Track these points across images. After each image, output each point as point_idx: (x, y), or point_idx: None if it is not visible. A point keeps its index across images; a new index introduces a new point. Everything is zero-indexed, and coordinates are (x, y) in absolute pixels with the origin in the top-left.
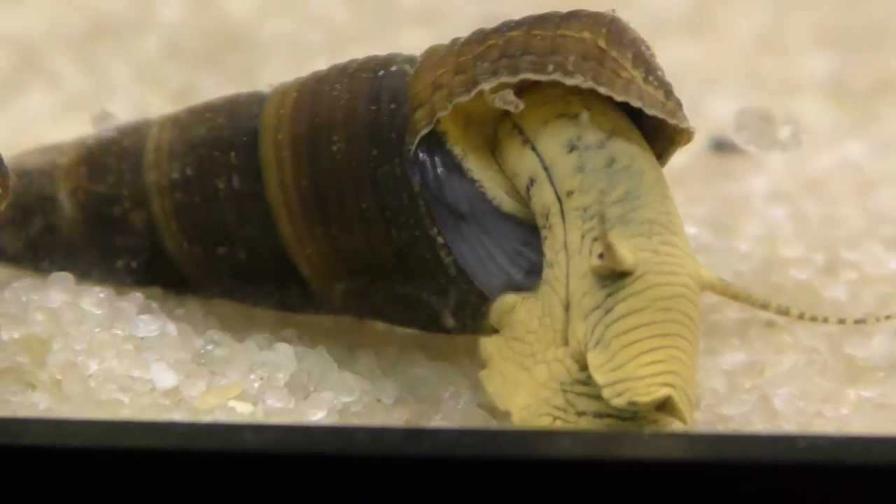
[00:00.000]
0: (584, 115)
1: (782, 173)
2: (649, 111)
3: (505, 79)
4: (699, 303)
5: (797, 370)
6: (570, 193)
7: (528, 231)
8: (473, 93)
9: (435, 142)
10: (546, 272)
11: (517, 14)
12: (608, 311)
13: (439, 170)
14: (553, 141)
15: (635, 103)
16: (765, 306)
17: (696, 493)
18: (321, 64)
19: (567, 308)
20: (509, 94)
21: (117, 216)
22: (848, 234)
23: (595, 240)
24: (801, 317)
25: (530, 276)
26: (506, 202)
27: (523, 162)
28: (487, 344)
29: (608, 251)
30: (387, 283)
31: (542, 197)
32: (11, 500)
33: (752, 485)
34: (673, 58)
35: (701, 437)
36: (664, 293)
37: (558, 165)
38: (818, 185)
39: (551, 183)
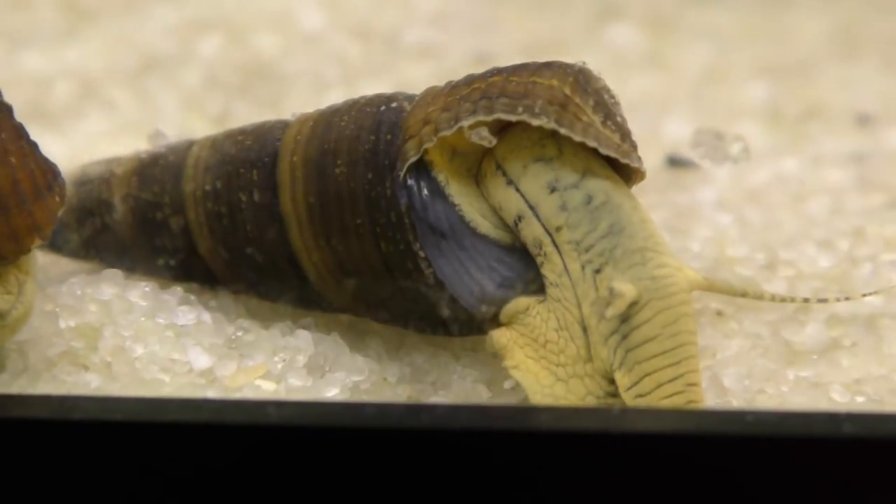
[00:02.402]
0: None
1: (727, 185)
2: (604, 151)
3: (481, 117)
4: (692, 304)
5: (743, 353)
6: (559, 229)
7: (499, 249)
8: (455, 128)
9: (422, 169)
10: (552, 291)
11: (505, 52)
12: (625, 337)
13: (424, 193)
14: (534, 184)
15: (591, 143)
16: (744, 294)
17: (659, 461)
18: (337, 93)
19: (584, 329)
20: (484, 131)
21: (160, 220)
22: (784, 236)
23: (596, 272)
24: (773, 298)
25: (500, 287)
26: (482, 224)
27: (509, 200)
28: (500, 336)
29: (613, 299)
30: (377, 288)
31: (532, 231)
32: (66, 467)
33: (707, 453)
34: (634, 88)
35: (662, 412)
36: (669, 318)
37: (543, 205)
38: (758, 196)
39: (538, 220)
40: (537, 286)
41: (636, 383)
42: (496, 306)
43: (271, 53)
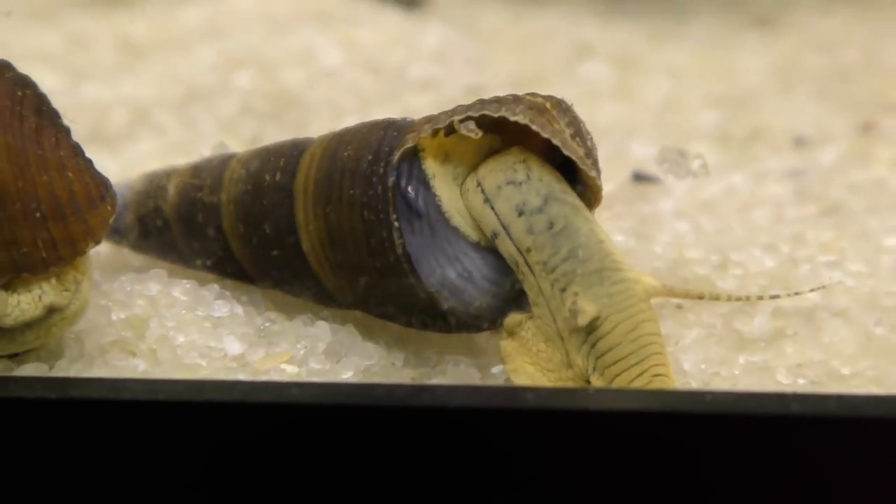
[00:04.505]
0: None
1: (685, 197)
2: (566, 152)
3: (471, 113)
4: (653, 310)
5: (700, 341)
6: (528, 250)
7: (466, 244)
8: (447, 122)
9: (415, 159)
10: (534, 308)
11: (495, 84)
12: (593, 346)
13: (412, 178)
14: (506, 205)
15: (556, 142)
16: (701, 296)
17: (629, 435)
18: (353, 119)
19: (563, 339)
20: (471, 124)
21: (197, 198)
22: (734, 241)
23: (563, 290)
24: (728, 298)
25: (459, 277)
26: (455, 218)
27: (486, 217)
28: (506, 345)
29: (575, 316)
30: (359, 260)
31: (508, 249)
32: (116, 440)
33: (670, 429)
34: (604, 115)
35: (631, 392)
36: (629, 327)
37: (513, 226)
38: (711, 206)
39: (511, 239)
40: (500, 288)
41: (609, 384)
42: (455, 296)
43: (297, 86)
